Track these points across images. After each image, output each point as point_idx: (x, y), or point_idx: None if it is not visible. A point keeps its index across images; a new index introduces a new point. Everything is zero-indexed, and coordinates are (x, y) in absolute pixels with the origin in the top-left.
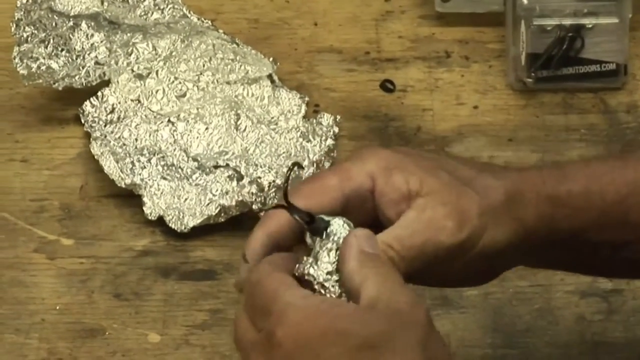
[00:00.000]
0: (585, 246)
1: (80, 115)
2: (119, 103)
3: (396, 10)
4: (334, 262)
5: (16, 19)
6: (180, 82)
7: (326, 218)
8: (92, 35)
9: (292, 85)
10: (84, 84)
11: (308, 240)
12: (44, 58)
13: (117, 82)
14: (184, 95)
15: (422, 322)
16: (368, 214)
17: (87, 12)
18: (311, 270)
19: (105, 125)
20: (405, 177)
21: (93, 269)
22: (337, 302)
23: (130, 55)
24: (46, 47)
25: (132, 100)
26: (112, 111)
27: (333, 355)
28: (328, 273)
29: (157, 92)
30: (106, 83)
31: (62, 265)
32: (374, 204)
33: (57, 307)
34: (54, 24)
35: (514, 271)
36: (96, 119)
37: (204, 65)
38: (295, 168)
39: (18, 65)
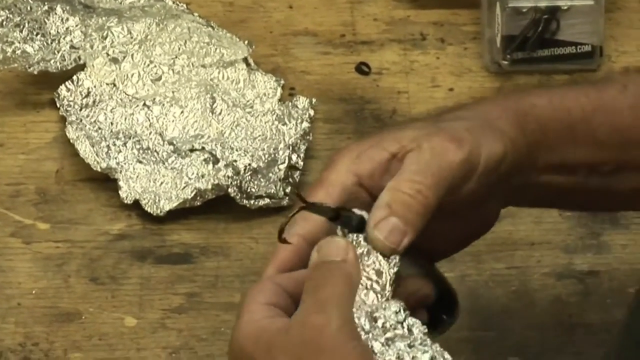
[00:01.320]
0: (561, 169)
1: (56, 99)
2: (94, 87)
3: None
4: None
5: None
6: (155, 66)
7: (357, 212)
8: (67, 19)
9: (267, 68)
10: (59, 68)
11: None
12: (19, 42)
13: (93, 66)
14: (160, 78)
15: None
16: (367, 206)
17: None
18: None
19: (80, 109)
20: (380, 147)
21: (69, 253)
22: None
23: (105, 39)
24: (21, 31)
25: (107, 84)
26: (88, 95)
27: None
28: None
29: (132, 75)
30: (81, 67)
31: (38, 249)
32: (369, 190)
33: (34, 292)
34: (28, 8)
35: (490, 253)
36: (71, 103)
37: (179, 49)
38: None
39: None
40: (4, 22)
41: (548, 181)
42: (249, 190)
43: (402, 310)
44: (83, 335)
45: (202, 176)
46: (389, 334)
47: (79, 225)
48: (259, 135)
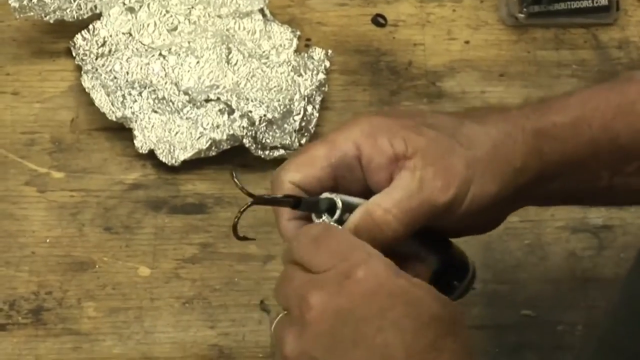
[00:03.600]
0: (583, 175)
1: (72, 48)
2: (110, 36)
3: None
4: None
5: None
6: (171, 16)
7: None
8: None
9: (283, 19)
10: (76, 17)
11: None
12: None
13: (109, 15)
14: (175, 28)
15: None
16: (359, 182)
17: None
18: None
19: (96, 59)
20: (390, 139)
21: (83, 202)
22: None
23: None
24: None
25: (123, 34)
26: (104, 44)
27: (400, 316)
28: None
29: (148, 25)
30: (97, 16)
31: (53, 198)
32: (363, 171)
33: (48, 240)
34: None
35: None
36: (87, 52)
37: None
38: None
39: None
40: None
41: (570, 188)
42: (264, 141)
43: None
44: (96, 284)
45: (217, 126)
46: None
47: (94, 175)
48: (275, 86)
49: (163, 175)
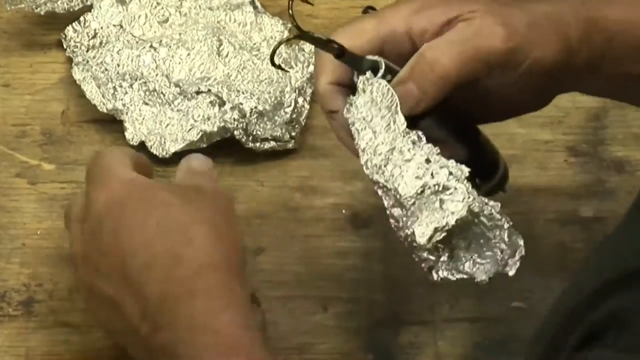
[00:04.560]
0: (628, 77)
1: (62, 40)
2: (101, 28)
3: None
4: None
5: None
6: (162, 8)
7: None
8: None
9: (274, 11)
10: (66, 9)
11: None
12: None
13: (100, 7)
14: (166, 20)
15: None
16: (405, 60)
17: None
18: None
19: (87, 51)
20: (442, 9)
21: (74, 194)
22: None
23: None
24: None
25: (114, 26)
26: (94, 36)
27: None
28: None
29: (139, 17)
30: (88, 8)
31: (44, 190)
32: (414, 46)
33: (38, 232)
34: None
35: (494, 198)
36: (78, 44)
37: None
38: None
39: None
40: None
41: (616, 84)
42: (254, 133)
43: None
44: None
45: (208, 118)
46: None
47: (85, 167)
48: (266, 79)
49: (154, 167)
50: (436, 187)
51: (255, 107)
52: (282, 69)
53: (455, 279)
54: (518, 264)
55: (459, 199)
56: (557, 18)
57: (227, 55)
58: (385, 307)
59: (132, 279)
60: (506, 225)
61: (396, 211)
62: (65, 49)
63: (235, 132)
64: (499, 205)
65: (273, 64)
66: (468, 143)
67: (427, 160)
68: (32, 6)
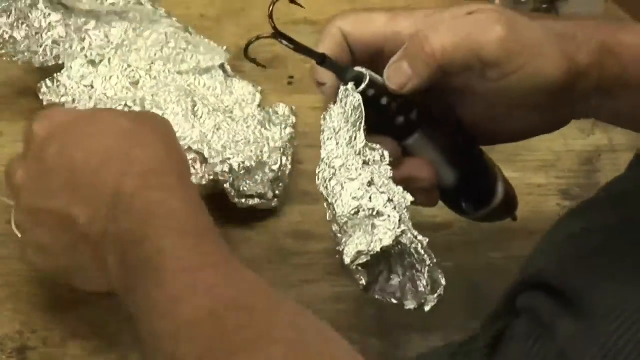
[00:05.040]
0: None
1: (38, 93)
2: (72, 88)
3: None
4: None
5: None
6: (132, 70)
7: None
8: (50, 14)
9: (267, 57)
10: (42, 64)
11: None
12: (7, 27)
13: (71, 67)
14: (137, 82)
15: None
16: None
17: None
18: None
19: (62, 106)
20: (453, 14)
21: None
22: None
23: (83, 41)
24: (8, 17)
25: (85, 86)
26: (66, 94)
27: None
28: None
29: (110, 78)
30: (62, 66)
31: None
32: None
33: (32, 278)
34: None
35: (487, 243)
36: (51, 101)
37: (155, 55)
38: None
39: None
40: None
41: (626, 111)
42: (241, 188)
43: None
44: (81, 323)
45: (195, 174)
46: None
47: None
48: (242, 139)
49: None
50: (371, 211)
51: (243, 163)
52: (257, 63)
53: (386, 301)
54: (435, 301)
55: (389, 227)
56: (567, 38)
57: (201, 116)
58: (380, 351)
59: (82, 187)
60: (428, 262)
61: (334, 227)
62: (42, 100)
63: (225, 186)
64: (427, 240)
65: (247, 56)
66: (459, 166)
67: (370, 183)
68: (11, 52)
